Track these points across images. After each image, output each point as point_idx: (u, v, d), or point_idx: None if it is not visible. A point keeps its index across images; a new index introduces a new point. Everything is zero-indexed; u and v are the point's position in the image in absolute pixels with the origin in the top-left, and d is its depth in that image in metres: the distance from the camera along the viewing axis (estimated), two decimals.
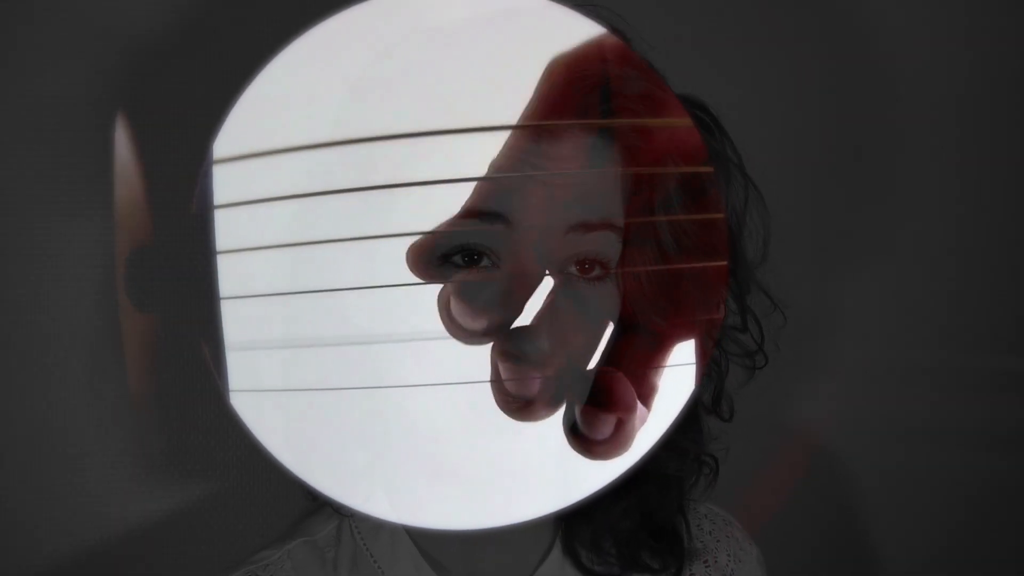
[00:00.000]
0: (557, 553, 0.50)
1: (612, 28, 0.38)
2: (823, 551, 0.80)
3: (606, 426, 0.36)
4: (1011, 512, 0.83)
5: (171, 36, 0.63)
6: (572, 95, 0.36)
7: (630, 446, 0.37)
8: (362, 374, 0.37)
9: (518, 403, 0.36)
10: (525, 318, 0.37)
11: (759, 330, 0.50)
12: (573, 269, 0.39)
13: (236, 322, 0.37)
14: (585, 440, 0.37)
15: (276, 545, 0.52)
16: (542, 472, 0.38)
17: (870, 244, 0.79)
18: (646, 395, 0.37)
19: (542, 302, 0.37)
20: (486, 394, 0.36)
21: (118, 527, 0.64)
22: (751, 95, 0.74)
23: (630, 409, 0.37)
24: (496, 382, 0.36)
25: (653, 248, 0.41)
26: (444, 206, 0.36)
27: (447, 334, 0.36)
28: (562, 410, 0.37)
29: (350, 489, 0.38)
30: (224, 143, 0.36)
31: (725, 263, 0.40)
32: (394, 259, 0.36)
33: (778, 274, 0.50)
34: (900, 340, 0.80)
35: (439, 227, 0.36)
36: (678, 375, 0.38)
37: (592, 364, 0.38)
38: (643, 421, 0.37)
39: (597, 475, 0.37)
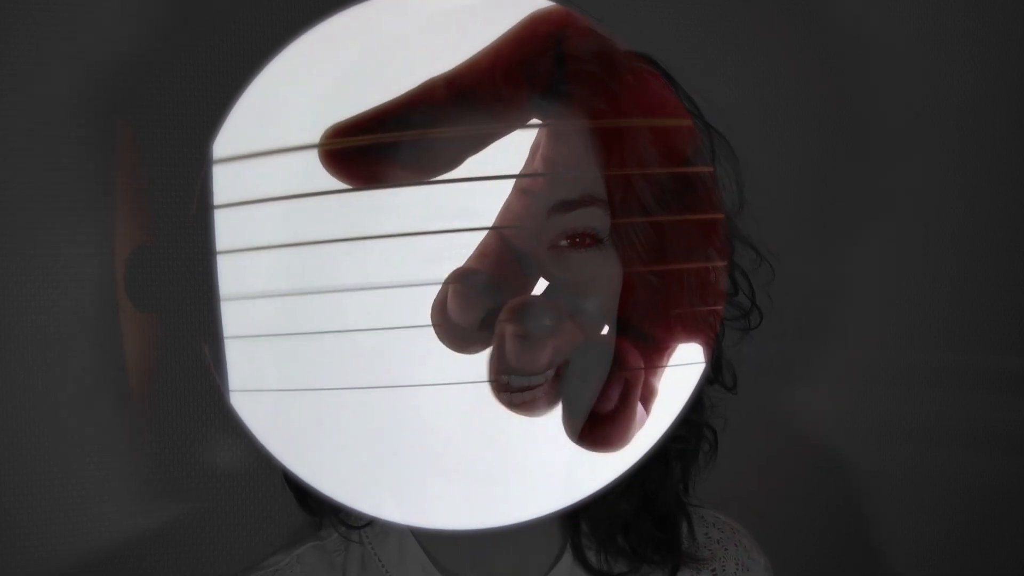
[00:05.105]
0: (568, 557, 0.50)
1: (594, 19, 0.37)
2: (824, 553, 0.80)
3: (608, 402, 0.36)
4: (1011, 512, 0.83)
5: (171, 36, 0.63)
6: (522, 53, 0.35)
7: (627, 442, 0.36)
8: (364, 374, 0.37)
9: (521, 397, 0.36)
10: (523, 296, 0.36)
11: (748, 285, 0.49)
12: (564, 243, 0.38)
13: (236, 322, 0.37)
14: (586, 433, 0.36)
15: (286, 550, 0.52)
16: (547, 470, 0.38)
17: (870, 245, 0.79)
18: (645, 398, 0.37)
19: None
20: (490, 393, 0.36)
21: (118, 528, 0.64)
22: (750, 97, 0.74)
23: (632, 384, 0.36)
24: (495, 380, 0.36)
25: (639, 213, 0.39)
26: (441, 204, 0.36)
27: (445, 343, 0.35)
28: (562, 406, 0.37)
29: (355, 492, 0.38)
30: (224, 143, 0.36)
31: (719, 216, 0.39)
32: (393, 258, 0.36)
33: (777, 271, 0.50)
34: (900, 340, 0.80)
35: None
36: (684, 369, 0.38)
37: (605, 329, 0.37)
38: (642, 424, 0.37)
39: (602, 472, 0.37)
